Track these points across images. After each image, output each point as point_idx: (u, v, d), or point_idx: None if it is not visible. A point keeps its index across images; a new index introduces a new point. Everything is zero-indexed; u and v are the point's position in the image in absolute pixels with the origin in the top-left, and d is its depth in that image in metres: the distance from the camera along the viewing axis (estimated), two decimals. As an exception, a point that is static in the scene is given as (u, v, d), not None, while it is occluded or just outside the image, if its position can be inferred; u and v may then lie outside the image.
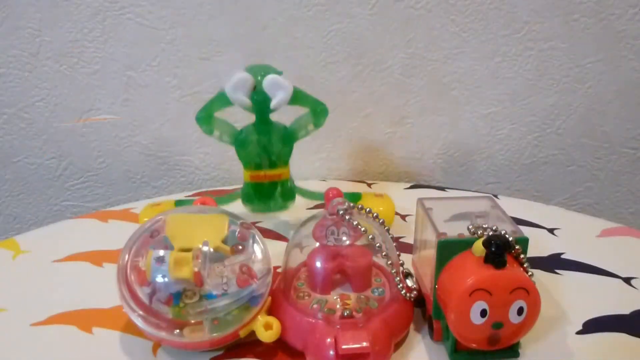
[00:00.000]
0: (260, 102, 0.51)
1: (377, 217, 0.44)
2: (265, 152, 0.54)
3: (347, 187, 0.72)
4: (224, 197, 0.58)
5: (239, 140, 0.54)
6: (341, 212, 0.43)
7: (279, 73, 0.51)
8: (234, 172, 0.78)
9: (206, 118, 0.53)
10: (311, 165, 0.78)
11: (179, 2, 0.69)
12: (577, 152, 0.78)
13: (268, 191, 0.56)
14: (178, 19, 0.70)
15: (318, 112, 0.53)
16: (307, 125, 0.54)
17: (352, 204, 0.43)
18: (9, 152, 0.77)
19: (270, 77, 0.50)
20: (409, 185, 0.74)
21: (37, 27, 0.70)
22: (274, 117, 0.53)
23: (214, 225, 0.43)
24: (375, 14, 0.70)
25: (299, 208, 0.64)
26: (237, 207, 0.55)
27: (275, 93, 0.50)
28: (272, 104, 0.51)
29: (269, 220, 0.62)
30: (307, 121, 0.54)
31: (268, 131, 0.53)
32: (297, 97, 0.52)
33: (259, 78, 0.50)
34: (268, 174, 0.55)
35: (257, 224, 0.61)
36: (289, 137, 0.54)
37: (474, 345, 0.39)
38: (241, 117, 0.53)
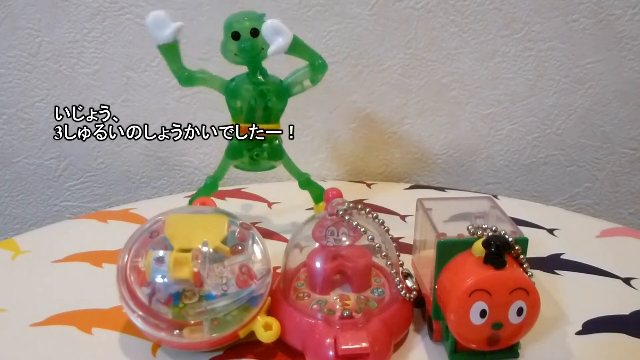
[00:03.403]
0: (247, 50, 0.49)
1: (376, 217, 0.44)
2: (258, 104, 0.51)
3: (347, 187, 0.72)
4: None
5: (229, 89, 0.52)
6: (341, 212, 0.43)
7: (262, 15, 0.49)
8: (233, 172, 0.78)
9: (187, 79, 0.51)
10: (311, 166, 0.78)
11: (179, 2, 0.69)
12: (576, 152, 0.78)
13: (255, 150, 0.53)
14: (178, 19, 0.70)
15: (316, 66, 0.50)
16: (303, 81, 0.52)
17: (351, 205, 0.43)
18: (9, 152, 0.77)
19: (270, 22, 0.47)
20: (408, 185, 0.74)
21: (36, 27, 0.70)
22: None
23: (213, 226, 0.43)
24: (374, 15, 0.70)
25: (299, 208, 0.64)
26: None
27: (274, 39, 0.47)
28: (270, 50, 0.48)
29: (268, 221, 0.62)
30: (303, 76, 0.52)
31: (262, 82, 0.51)
32: (296, 47, 0.49)
33: (247, 24, 0.48)
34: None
35: (256, 224, 0.61)
36: (283, 91, 0.52)
37: (473, 345, 0.39)
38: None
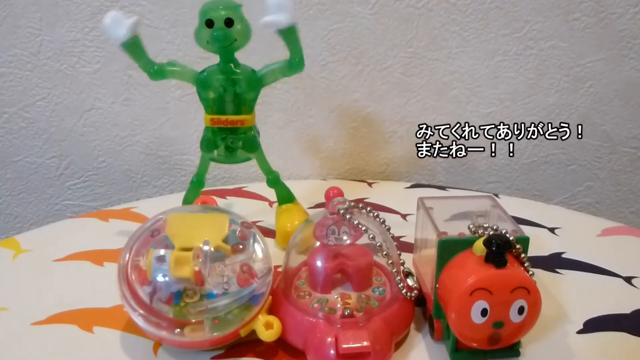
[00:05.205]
0: (219, 39, 0.48)
1: (377, 216, 0.44)
2: (228, 92, 0.51)
3: (348, 186, 0.72)
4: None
5: (200, 80, 0.51)
6: (342, 211, 0.42)
7: (239, 6, 0.49)
8: (234, 171, 0.79)
9: (156, 73, 0.52)
10: (312, 165, 0.78)
11: (179, 2, 0.69)
12: (577, 151, 0.78)
13: (230, 138, 0.53)
14: (178, 19, 0.70)
15: (294, 63, 0.50)
16: (277, 74, 0.51)
17: (352, 203, 0.43)
18: (10, 151, 0.77)
19: None
20: (409, 184, 0.74)
21: (37, 26, 0.70)
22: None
23: (214, 225, 0.43)
24: (375, 13, 0.70)
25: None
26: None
27: (276, 12, 0.46)
28: (265, 20, 0.46)
29: (269, 219, 0.62)
30: (278, 70, 0.51)
31: (233, 72, 0.51)
32: (290, 34, 0.48)
33: (222, 13, 0.48)
34: (230, 119, 0.52)
35: (257, 223, 0.61)
36: (256, 80, 0.51)
37: (474, 344, 0.39)
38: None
